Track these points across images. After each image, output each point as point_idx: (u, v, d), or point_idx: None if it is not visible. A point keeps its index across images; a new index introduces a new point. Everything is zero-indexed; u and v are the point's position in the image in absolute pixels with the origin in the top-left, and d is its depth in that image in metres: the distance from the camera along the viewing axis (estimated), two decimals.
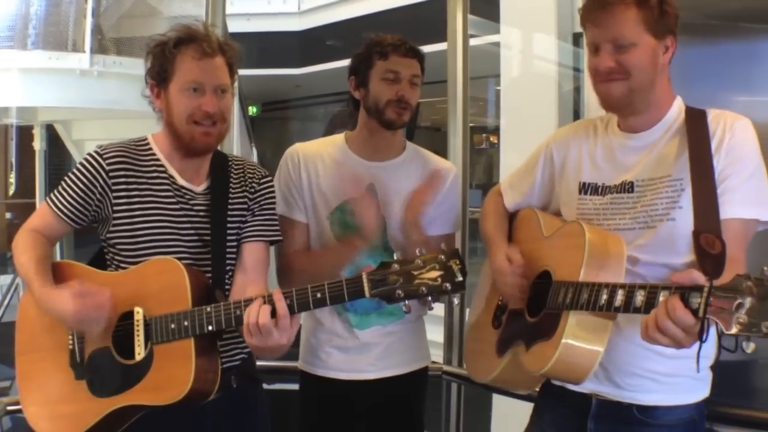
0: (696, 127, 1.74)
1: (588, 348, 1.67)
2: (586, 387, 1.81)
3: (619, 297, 1.54)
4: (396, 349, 2.30)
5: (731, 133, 1.69)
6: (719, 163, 1.68)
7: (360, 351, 2.27)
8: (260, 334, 1.71)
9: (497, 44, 5.65)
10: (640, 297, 1.50)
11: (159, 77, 1.93)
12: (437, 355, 2.59)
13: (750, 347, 1.29)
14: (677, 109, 1.80)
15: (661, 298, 1.46)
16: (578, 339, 1.67)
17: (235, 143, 7.79)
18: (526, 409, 2.12)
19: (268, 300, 1.73)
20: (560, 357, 1.67)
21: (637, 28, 1.71)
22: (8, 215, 12.13)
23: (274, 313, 1.71)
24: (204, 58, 1.90)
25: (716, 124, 1.72)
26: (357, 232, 2.15)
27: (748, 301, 1.29)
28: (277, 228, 2.08)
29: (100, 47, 8.81)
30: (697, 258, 1.57)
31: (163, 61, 1.91)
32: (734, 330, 1.30)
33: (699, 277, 1.43)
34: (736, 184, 1.66)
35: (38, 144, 10.38)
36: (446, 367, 2.89)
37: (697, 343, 1.41)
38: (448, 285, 1.68)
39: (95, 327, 1.81)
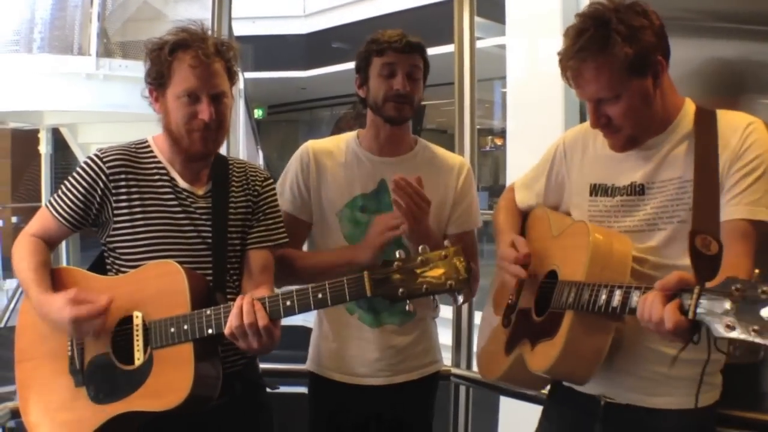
0: (704, 128, 1.72)
1: (590, 348, 1.67)
2: (594, 389, 1.80)
3: (617, 297, 1.55)
4: (410, 354, 2.28)
5: (742, 134, 1.67)
6: (729, 163, 1.66)
7: (374, 353, 2.24)
8: (246, 335, 1.72)
9: (502, 46, 5.63)
10: (635, 298, 1.51)
11: (156, 82, 1.91)
12: (446, 358, 2.57)
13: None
14: (686, 111, 1.78)
15: None
16: (580, 338, 1.67)
17: (241, 145, 7.83)
18: (533, 411, 2.11)
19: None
20: (562, 356, 1.67)
21: (614, 79, 1.66)
22: (14, 219, 12.16)
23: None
24: (199, 66, 1.86)
25: (726, 125, 1.70)
26: (358, 243, 2.14)
27: (737, 305, 1.28)
28: (283, 230, 2.06)
29: (106, 51, 8.84)
30: (691, 259, 1.56)
31: (159, 66, 1.89)
32: (723, 333, 1.29)
33: (688, 279, 1.43)
34: (746, 185, 1.63)
35: (44, 147, 10.40)
36: (455, 370, 2.89)
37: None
38: (452, 282, 1.64)
39: (91, 333, 1.80)
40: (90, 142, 9.61)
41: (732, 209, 1.63)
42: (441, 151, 2.37)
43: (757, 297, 1.24)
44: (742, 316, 1.26)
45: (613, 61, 1.64)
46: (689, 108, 1.78)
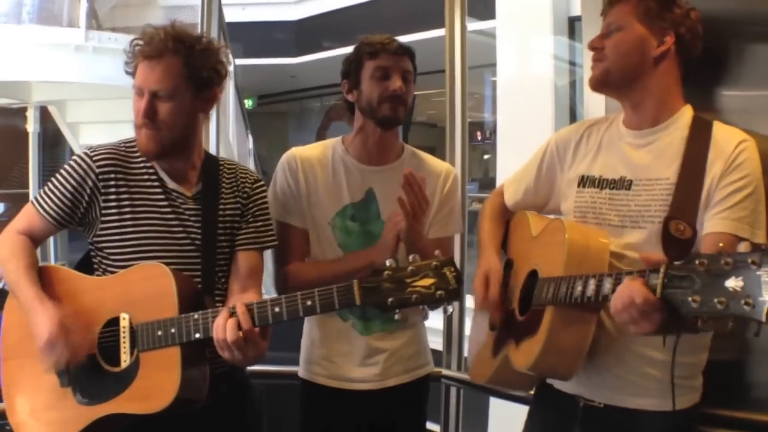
0: (698, 134, 1.74)
1: (571, 341, 1.69)
2: (572, 388, 1.83)
3: (591, 286, 1.57)
4: (400, 357, 2.27)
5: (735, 149, 1.69)
6: (719, 176, 1.68)
7: (364, 358, 2.23)
8: (231, 349, 1.70)
9: (490, 34, 5.61)
10: (608, 284, 1.53)
11: (132, 74, 1.92)
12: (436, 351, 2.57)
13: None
14: (683, 114, 1.80)
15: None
16: (561, 333, 1.69)
17: (231, 131, 7.78)
18: (522, 412, 2.12)
19: (232, 313, 1.71)
20: (544, 352, 1.69)
21: (628, 16, 1.79)
22: (0, 207, 12.00)
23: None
24: (145, 61, 1.86)
25: (721, 137, 1.72)
26: (374, 245, 2.13)
27: (701, 279, 1.30)
28: (272, 233, 2.05)
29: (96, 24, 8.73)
30: (663, 242, 1.60)
31: (132, 60, 1.90)
32: (691, 308, 1.32)
33: (657, 258, 1.46)
34: (734, 202, 1.65)
35: (32, 126, 10.26)
36: (445, 371, 2.89)
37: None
38: (441, 293, 1.64)
39: (55, 358, 1.78)
40: (78, 122, 9.52)
41: (719, 222, 1.65)
42: (428, 157, 2.37)
43: (721, 269, 1.27)
44: (708, 289, 1.28)
45: (639, 5, 1.78)
46: (687, 112, 1.81)
